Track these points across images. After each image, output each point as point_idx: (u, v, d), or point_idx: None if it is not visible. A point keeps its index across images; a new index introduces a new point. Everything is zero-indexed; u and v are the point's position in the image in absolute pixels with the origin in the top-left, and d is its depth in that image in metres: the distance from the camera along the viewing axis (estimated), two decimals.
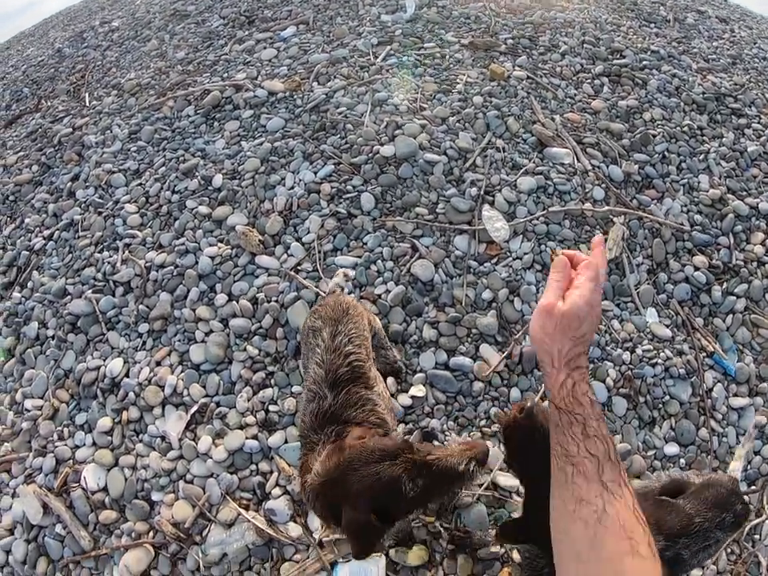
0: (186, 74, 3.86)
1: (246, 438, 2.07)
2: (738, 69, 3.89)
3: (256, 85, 3.35)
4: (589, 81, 3.36)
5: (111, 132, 3.46)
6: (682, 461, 2.16)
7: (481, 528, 1.88)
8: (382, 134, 2.83)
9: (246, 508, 1.97)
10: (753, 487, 2.16)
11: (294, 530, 1.92)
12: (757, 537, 2.06)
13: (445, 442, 2.03)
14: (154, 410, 2.20)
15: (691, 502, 1.63)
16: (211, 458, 2.04)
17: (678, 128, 3.15)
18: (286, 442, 2.07)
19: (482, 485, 1.93)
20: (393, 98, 3.04)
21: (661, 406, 2.25)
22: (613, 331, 2.36)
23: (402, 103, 2.99)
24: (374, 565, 1.82)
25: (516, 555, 1.84)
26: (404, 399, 2.12)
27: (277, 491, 1.98)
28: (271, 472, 2.03)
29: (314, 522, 1.92)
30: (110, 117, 3.65)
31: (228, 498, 1.98)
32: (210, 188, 2.84)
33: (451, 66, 3.33)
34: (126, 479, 2.09)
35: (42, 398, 2.38)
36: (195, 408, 2.17)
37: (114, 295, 2.56)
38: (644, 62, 3.57)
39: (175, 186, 2.91)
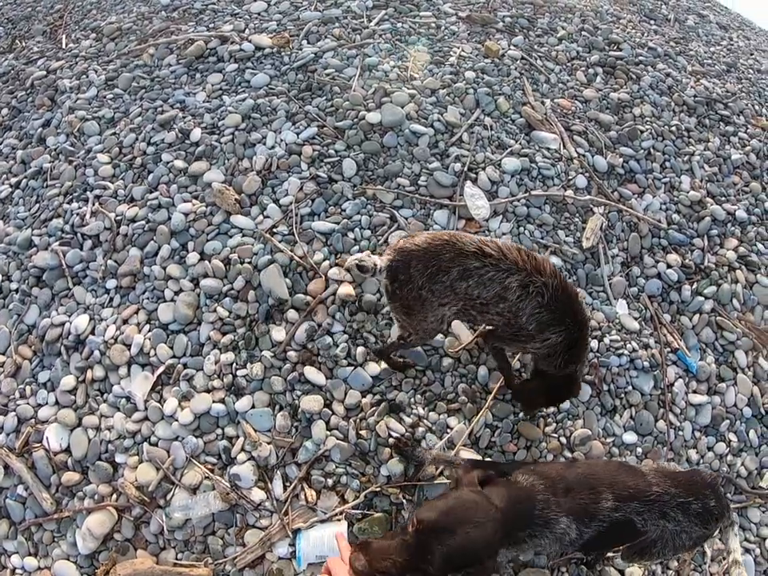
0: (170, 20, 3.66)
1: (213, 402, 2.05)
2: (731, 77, 3.91)
3: (243, 38, 3.21)
4: (583, 69, 3.32)
5: (87, 77, 3.27)
6: (639, 450, 2.23)
7: None
8: (369, 99, 2.75)
9: (211, 472, 1.95)
10: None
11: (258, 495, 1.92)
12: None
13: (411, 416, 2.04)
14: (120, 370, 2.15)
15: (657, 473, 1.66)
16: (177, 420, 2.01)
17: (666, 127, 3.16)
18: (253, 407, 2.05)
19: (447, 459, 1.95)
20: (383, 63, 2.95)
21: (623, 395, 2.31)
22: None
23: (392, 70, 2.91)
24: (336, 528, 1.84)
25: None
26: (373, 368, 2.11)
27: (242, 456, 1.97)
28: (237, 437, 2.01)
29: (278, 488, 1.93)
30: (86, 61, 3.44)
31: (193, 461, 1.96)
32: (187, 142, 2.72)
33: (446, 37, 3.25)
34: (89, 440, 2.05)
35: (3, 354, 2.31)
36: (162, 369, 2.12)
37: (81, 248, 2.46)
38: (640, 58, 3.55)
39: (151, 137, 2.78)
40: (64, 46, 3.74)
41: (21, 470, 2.01)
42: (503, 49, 3.19)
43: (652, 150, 2.99)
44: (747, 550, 2.20)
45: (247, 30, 3.33)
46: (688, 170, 3.02)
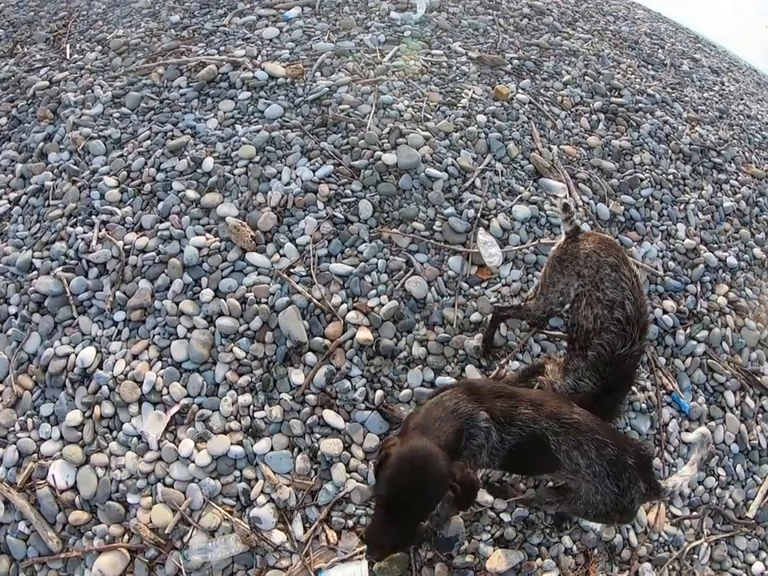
0: (179, 39, 3.66)
1: (231, 444, 2.05)
2: (723, 123, 4.07)
3: (256, 65, 3.23)
4: (587, 115, 3.44)
5: (92, 92, 3.24)
6: None
7: (458, 538, 1.99)
8: (384, 139, 2.81)
9: (230, 514, 1.95)
10: (694, 513, 2.34)
11: (278, 537, 1.93)
12: (695, 556, 2.26)
13: None
14: (130, 407, 2.12)
15: (587, 414, 1.73)
16: (194, 462, 2.00)
17: (664, 175, 3.29)
18: (272, 449, 2.06)
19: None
20: (397, 102, 3.01)
21: None
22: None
23: (406, 110, 2.97)
24: (356, 568, 1.88)
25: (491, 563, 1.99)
26: None
27: (262, 499, 1.98)
28: (256, 479, 2.02)
29: (298, 529, 1.95)
30: (92, 75, 3.41)
31: (211, 503, 1.96)
32: (199, 171, 2.71)
33: (457, 78, 3.33)
34: (98, 479, 2.01)
35: (1, 383, 2.24)
36: (176, 408, 2.10)
37: (87, 276, 2.42)
38: (640, 104, 3.69)
39: (161, 163, 2.76)
40: (68, 57, 3.70)
41: (23, 507, 1.95)
42: (512, 92, 3.28)
43: (651, 198, 3.11)
44: (734, 575, 2.31)
45: (260, 56, 3.36)
46: (683, 217, 3.15)
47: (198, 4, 4.07)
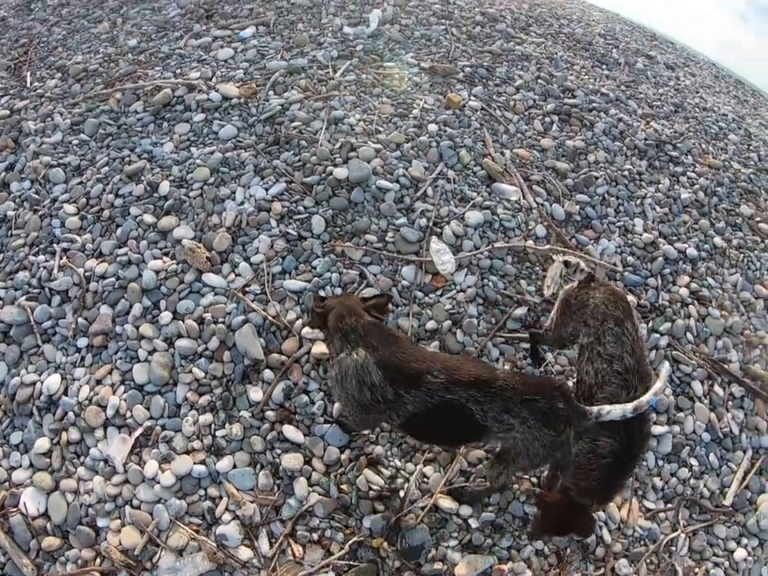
0: (136, 64, 3.69)
1: (194, 463, 2.06)
2: (679, 117, 4.14)
3: (210, 87, 3.26)
4: (540, 117, 3.48)
5: (52, 120, 3.26)
6: None
7: (425, 546, 2.00)
8: (336, 154, 2.83)
9: (196, 533, 1.96)
10: (669, 505, 2.36)
11: (245, 553, 1.94)
12: (673, 548, 2.27)
13: (389, 469, 2.11)
14: (96, 432, 2.14)
15: (508, 372, 1.80)
16: (159, 483, 2.02)
17: (619, 172, 3.33)
18: (234, 467, 2.07)
19: (425, 507, 2.05)
20: (349, 117, 3.04)
21: None
22: (548, 364, 2.47)
23: (357, 124, 3.00)
24: None
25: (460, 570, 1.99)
26: None
27: (227, 516, 1.99)
28: (220, 497, 2.03)
29: (264, 545, 1.96)
30: (51, 102, 3.44)
31: (178, 523, 1.97)
32: (155, 195, 2.74)
33: (409, 89, 3.36)
34: (68, 504, 2.03)
35: None
36: (140, 431, 2.12)
37: (50, 304, 2.45)
38: (593, 104, 3.74)
39: (119, 189, 2.79)
40: (29, 85, 3.71)
41: None
42: (464, 99, 3.32)
43: (606, 196, 3.15)
44: (717, 564, 2.32)
45: (214, 78, 3.38)
46: (641, 212, 3.19)
47: (155, 27, 4.11)
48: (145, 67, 3.63)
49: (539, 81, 3.73)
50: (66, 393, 2.22)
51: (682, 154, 3.68)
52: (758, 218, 3.65)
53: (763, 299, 3.19)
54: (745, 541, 2.43)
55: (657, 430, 2.50)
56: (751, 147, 4.42)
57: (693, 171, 3.62)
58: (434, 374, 1.64)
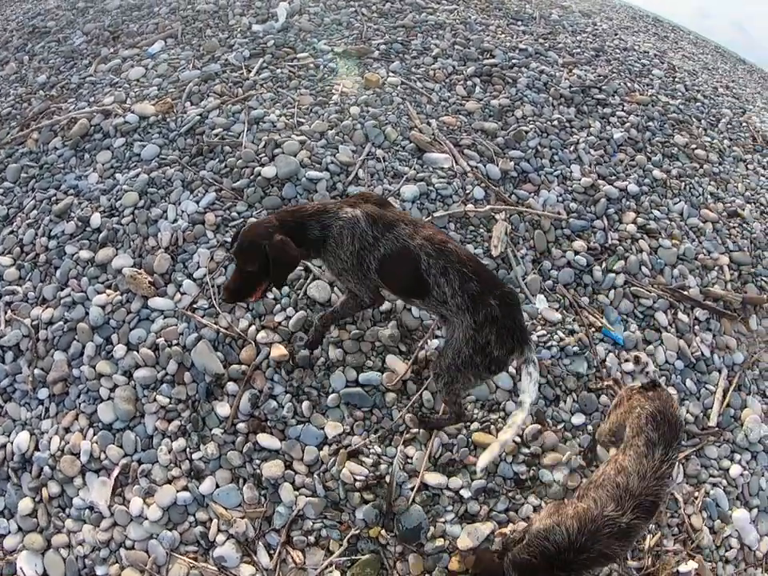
0: (49, 99, 3.58)
1: (177, 492, 2.02)
2: (601, 60, 4.18)
3: (126, 109, 3.17)
4: (461, 82, 3.47)
5: None
6: (590, 427, 2.33)
7: (422, 525, 1.99)
8: (261, 153, 2.78)
9: (195, 560, 1.93)
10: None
11: (247, 570, 1.92)
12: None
13: (370, 456, 2.09)
14: (75, 481, 2.09)
15: (463, 248, 1.90)
16: (146, 518, 1.98)
17: (549, 122, 3.34)
18: (217, 486, 2.04)
19: (414, 487, 2.04)
20: (269, 114, 2.99)
21: (561, 383, 2.41)
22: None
23: (279, 120, 2.95)
24: None
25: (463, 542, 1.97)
26: (321, 421, 2.16)
27: (221, 537, 1.96)
28: (210, 519, 2.00)
29: (264, 558, 1.94)
30: None
31: (174, 554, 1.94)
32: (88, 229, 2.66)
33: (326, 76, 3.32)
34: (64, 560, 1.98)
35: None
36: (117, 471, 2.08)
37: (3, 362, 2.37)
38: (513, 61, 3.74)
39: (51, 230, 2.70)
40: None
41: None
42: (382, 77, 3.29)
43: (539, 148, 3.16)
44: (714, 484, 2.37)
45: (129, 99, 3.30)
46: (576, 158, 3.21)
47: (63, 59, 4.00)
48: (58, 101, 3.52)
49: (456, 47, 3.72)
50: (37, 448, 2.16)
51: (608, 96, 3.71)
52: (694, 146, 3.72)
53: (711, 222, 3.27)
54: (738, 456, 2.49)
55: (629, 367, 2.53)
56: (676, 79, 4.50)
57: (622, 110, 3.67)
58: (404, 224, 1.86)
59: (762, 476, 2.49)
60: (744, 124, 4.47)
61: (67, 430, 2.18)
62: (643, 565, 2.12)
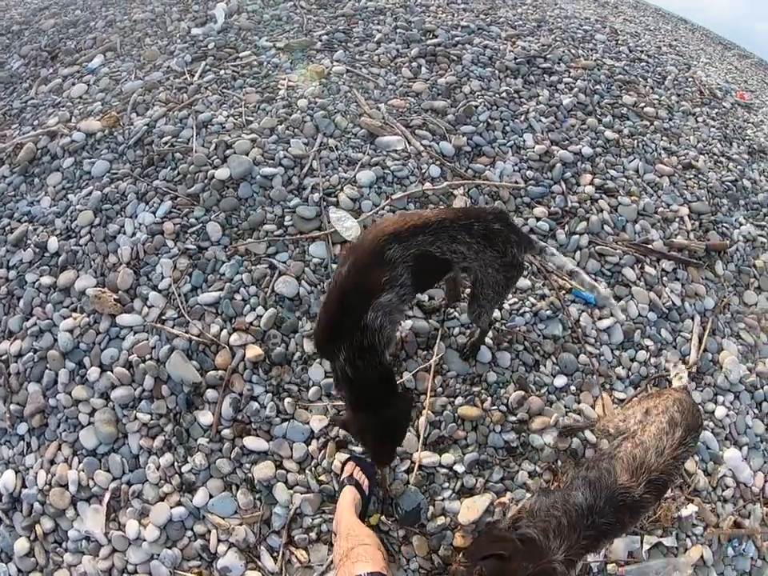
0: None
1: (171, 508, 2.00)
2: (543, 30, 4.21)
3: (71, 128, 3.10)
4: (407, 65, 3.46)
5: None
6: (573, 387, 2.38)
7: (421, 506, 2.00)
8: (213, 156, 2.74)
9: (199, 575, 1.92)
10: (638, 389, 2.43)
11: None
12: None
13: (359, 444, 2.08)
14: (67, 513, 2.05)
15: (445, 210, 1.93)
16: (145, 540, 1.95)
17: (497, 95, 3.36)
18: (210, 497, 2.02)
19: (407, 469, 2.06)
20: (217, 116, 2.95)
21: (539, 347, 2.44)
22: None
23: (227, 120, 2.91)
24: None
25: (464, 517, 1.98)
26: (305, 416, 2.15)
27: (222, 547, 1.94)
28: (209, 531, 1.97)
29: (268, 562, 1.93)
30: None
31: (178, 572, 1.92)
32: (46, 255, 2.60)
33: (270, 72, 3.29)
34: None
35: None
36: (108, 496, 2.04)
37: None
38: (456, 38, 3.74)
39: (8, 260, 2.64)
40: None
41: None
42: (327, 68, 3.27)
43: (490, 121, 3.17)
44: (703, 428, 2.36)
45: (73, 118, 3.23)
46: (527, 127, 3.24)
47: (2, 85, 3.87)
48: (1, 128, 3.42)
49: (398, 30, 3.71)
50: (24, 485, 2.11)
51: (554, 64, 3.75)
52: (642, 104, 3.79)
53: (667, 176, 3.33)
54: (721, 398, 2.55)
55: (604, 324, 2.58)
56: (619, 42, 4.57)
57: (569, 77, 3.70)
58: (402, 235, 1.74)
59: (747, 414, 2.57)
60: (690, 79, 4.57)
61: (52, 462, 2.13)
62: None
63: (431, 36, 3.73)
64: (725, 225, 3.22)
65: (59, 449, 2.16)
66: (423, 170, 2.82)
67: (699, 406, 1.96)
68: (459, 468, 2.08)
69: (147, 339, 2.28)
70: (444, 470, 2.08)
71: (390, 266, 1.69)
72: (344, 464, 2.04)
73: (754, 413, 2.61)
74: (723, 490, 2.35)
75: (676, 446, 1.71)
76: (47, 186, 2.90)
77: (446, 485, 2.06)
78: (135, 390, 2.20)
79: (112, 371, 2.23)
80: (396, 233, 1.72)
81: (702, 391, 2.54)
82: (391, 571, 1.80)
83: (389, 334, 1.76)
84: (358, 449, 2.08)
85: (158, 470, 2.07)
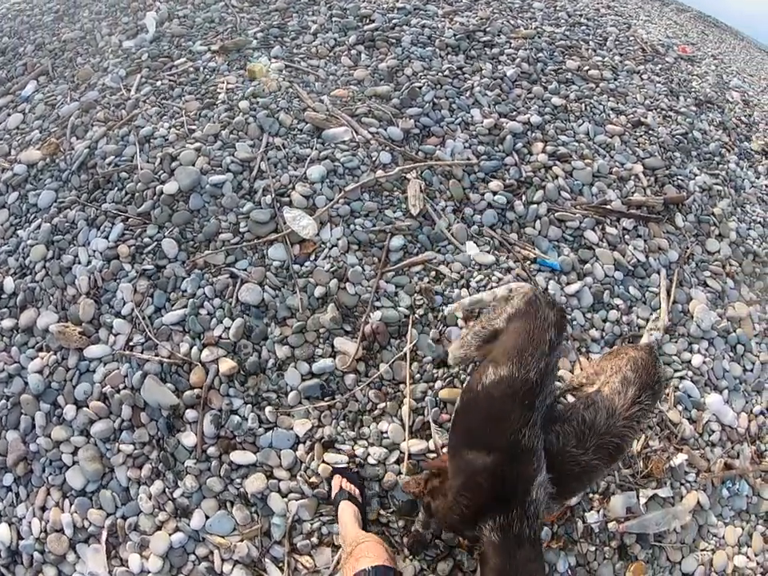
0: None
1: (170, 535, 1.98)
2: (480, 4, 4.18)
3: (12, 161, 3.00)
4: (346, 53, 3.41)
5: None
6: None
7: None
8: (159, 171, 2.67)
9: None
10: (615, 347, 2.44)
11: None
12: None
13: (346, 443, 2.10)
14: (68, 557, 2.01)
15: None
16: (149, 572, 1.93)
17: (440, 74, 3.34)
18: (207, 518, 2.01)
19: (397, 460, 2.08)
20: (158, 129, 2.88)
21: None
22: (444, 276, 2.50)
23: (169, 132, 2.84)
24: None
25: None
26: (288, 422, 2.15)
27: (227, 566, 1.93)
28: (211, 552, 1.97)
29: (275, 573, 1.93)
30: None
31: None
32: (3, 296, 2.52)
33: (208, 77, 3.21)
34: None
35: None
36: (105, 533, 2.01)
37: None
38: (393, 21, 3.70)
39: None
40: None
41: None
42: (265, 65, 3.20)
43: (435, 100, 3.15)
44: (681, 377, 2.49)
45: (12, 150, 3.11)
46: (474, 102, 3.23)
47: None
48: None
49: (334, 19, 3.65)
50: (20, 537, 2.07)
51: (494, 37, 3.74)
52: (587, 67, 3.83)
53: (618, 136, 3.38)
54: (696, 347, 2.63)
55: (572, 288, 2.61)
56: (558, 8, 4.59)
57: (510, 48, 3.70)
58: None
59: (723, 359, 2.65)
60: (631, 38, 4.63)
61: (43, 509, 2.09)
62: (637, 469, 2.23)
63: (368, 21, 3.67)
64: (680, 177, 3.27)
65: (48, 493, 2.12)
66: (374, 158, 2.79)
67: (659, 361, 1.85)
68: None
69: (118, 368, 2.24)
70: (433, 455, 2.09)
71: None
72: (330, 478, 2.04)
73: (730, 356, 2.69)
74: (710, 435, 2.41)
75: (629, 406, 1.63)
76: None
77: None
78: (114, 421, 2.16)
79: (88, 406, 2.19)
80: None
81: (676, 342, 2.60)
82: (397, 562, 1.82)
83: None
84: (346, 446, 2.09)
85: (150, 499, 2.04)
